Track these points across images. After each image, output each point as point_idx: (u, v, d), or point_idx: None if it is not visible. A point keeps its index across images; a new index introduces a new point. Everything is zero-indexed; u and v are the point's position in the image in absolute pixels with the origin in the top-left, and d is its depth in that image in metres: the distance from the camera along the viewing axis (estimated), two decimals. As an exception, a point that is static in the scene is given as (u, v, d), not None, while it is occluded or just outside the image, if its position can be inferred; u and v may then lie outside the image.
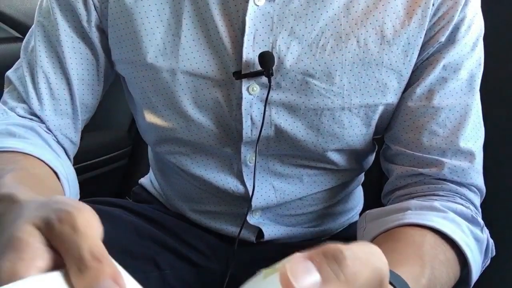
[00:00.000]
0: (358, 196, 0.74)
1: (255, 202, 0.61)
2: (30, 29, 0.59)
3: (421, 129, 0.54)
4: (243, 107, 0.54)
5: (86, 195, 0.67)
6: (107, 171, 1.12)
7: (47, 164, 0.48)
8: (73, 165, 0.58)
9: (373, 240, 0.49)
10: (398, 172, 0.55)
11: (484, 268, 0.51)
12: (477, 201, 0.55)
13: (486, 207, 0.56)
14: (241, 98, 0.54)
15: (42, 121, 0.56)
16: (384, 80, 0.53)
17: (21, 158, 0.47)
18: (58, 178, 0.49)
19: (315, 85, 0.53)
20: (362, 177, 0.72)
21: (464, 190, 0.53)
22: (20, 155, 0.47)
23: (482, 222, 0.51)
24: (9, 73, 0.58)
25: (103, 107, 1.07)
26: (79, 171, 1.05)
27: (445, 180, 0.53)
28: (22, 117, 0.55)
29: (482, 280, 0.50)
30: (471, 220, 0.50)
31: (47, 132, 0.56)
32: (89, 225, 0.26)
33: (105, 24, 0.55)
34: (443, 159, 0.53)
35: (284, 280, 0.23)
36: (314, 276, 0.23)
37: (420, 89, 0.53)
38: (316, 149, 0.57)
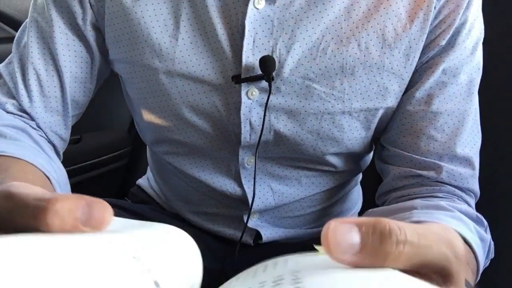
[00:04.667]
0: (356, 196, 0.74)
1: (253, 205, 0.60)
2: (23, 24, 0.58)
3: (419, 133, 0.53)
4: (241, 112, 0.54)
5: (86, 195, 0.67)
6: (107, 171, 1.12)
7: (38, 169, 0.48)
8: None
9: None
10: (396, 173, 0.55)
11: (483, 269, 0.51)
12: (473, 204, 0.55)
13: (486, 208, 0.56)
14: (240, 102, 0.53)
15: (32, 118, 0.55)
16: (385, 84, 0.53)
17: (12, 165, 0.46)
18: (50, 181, 0.48)
19: (315, 89, 0.52)
20: (360, 177, 0.72)
21: (461, 193, 0.53)
22: (12, 161, 0.46)
23: (486, 222, 0.51)
24: (0, 67, 0.58)
25: (103, 107, 1.07)
26: (79, 171, 1.06)
27: (443, 183, 0.53)
28: (12, 113, 0.55)
29: (481, 281, 0.50)
30: (476, 220, 0.49)
31: (38, 132, 0.55)
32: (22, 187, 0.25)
33: (102, 23, 0.55)
34: (441, 163, 0.53)
35: (324, 239, 0.22)
36: (354, 238, 0.21)
37: (419, 93, 0.53)
38: (315, 152, 0.56)
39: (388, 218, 0.22)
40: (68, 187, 0.53)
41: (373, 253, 0.21)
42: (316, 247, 0.25)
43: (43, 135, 0.57)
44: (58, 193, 0.24)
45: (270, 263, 0.26)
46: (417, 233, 0.22)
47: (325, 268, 0.22)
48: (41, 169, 0.48)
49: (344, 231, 0.21)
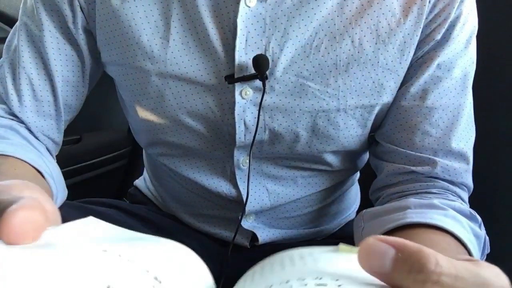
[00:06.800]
0: (354, 195, 0.73)
1: (248, 206, 0.60)
2: (13, 27, 0.57)
3: (414, 129, 0.53)
4: (236, 112, 0.53)
5: (85, 195, 0.68)
6: (107, 171, 1.12)
7: (29, 164, 0.47)
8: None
9: None
10: (390, 169, 0.54)
11: None
12: (466, 198, 0.54)
13: (485, 206, 0.56)
14: (234, 102, 0.53)
15: (22, 122, 0.55)
16: (380, 80, 0.52)
17: (1, 162, 0.46)
18: (43, 176, 0.48)
19: (310, 87, 0.52)
20: (357, 176, 0.71)
21: (455, 188, 0.53)
22: (0, 158, 0.46)
23: (479, 218, 0.51)
24: None
25: (103, 107, 1.08)
26: (79, 171, 1.06)
27: (437, 178, 0.53)
28: (1, 117, 0.54)
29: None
30: (469, 217, 0.49)
31: (26, 130, 0.55)
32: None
33: (92, 25, 0.54)
34: (436, 158, 0.52)
35: (359, 255, 0.22)
36: (385, 265, 0.21)
37: (414, 88, 0.53)
38: (311, 151, 0.56)
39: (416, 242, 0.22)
40: (61, 180, 0.53)
41: (400, 280, 0.21)
42: (341, 245, 0.25)
43: (34, 136, 0.56)
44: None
45: (285, 257, 0.26)
46: (455, 276, 0.21)
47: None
48: (32, 164, 0.47)
49: (382, 250, 0.21)
